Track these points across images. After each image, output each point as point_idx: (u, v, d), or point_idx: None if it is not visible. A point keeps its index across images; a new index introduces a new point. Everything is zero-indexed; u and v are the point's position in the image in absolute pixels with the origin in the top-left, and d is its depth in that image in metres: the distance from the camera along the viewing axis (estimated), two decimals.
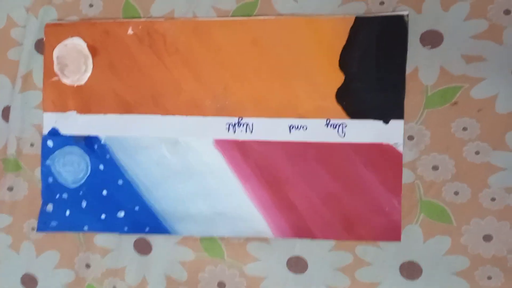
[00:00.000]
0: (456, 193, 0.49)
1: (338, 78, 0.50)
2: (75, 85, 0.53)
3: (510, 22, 0.47)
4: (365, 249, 0.50)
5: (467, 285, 0.49)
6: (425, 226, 0.49)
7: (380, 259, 0.50)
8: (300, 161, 0.51)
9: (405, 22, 0.48)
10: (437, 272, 0.49)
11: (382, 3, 0.49)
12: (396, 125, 0.49)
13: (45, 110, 0.54)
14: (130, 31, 0.52)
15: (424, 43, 0.48)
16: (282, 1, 0.50)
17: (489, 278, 0.49)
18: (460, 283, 0.49)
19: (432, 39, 0.48)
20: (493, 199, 0.48)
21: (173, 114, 0.52)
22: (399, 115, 0.49)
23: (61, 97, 0.53)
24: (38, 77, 0.54)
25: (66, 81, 0.53)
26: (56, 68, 0.53)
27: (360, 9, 0.49)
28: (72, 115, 0.53)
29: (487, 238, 0.49)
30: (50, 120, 0.54)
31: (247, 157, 0.51)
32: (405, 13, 0.48)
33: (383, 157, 0.49)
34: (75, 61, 0.53)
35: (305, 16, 0.50)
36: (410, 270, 0.50)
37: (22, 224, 0.55)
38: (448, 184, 0.49)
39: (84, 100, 0.53)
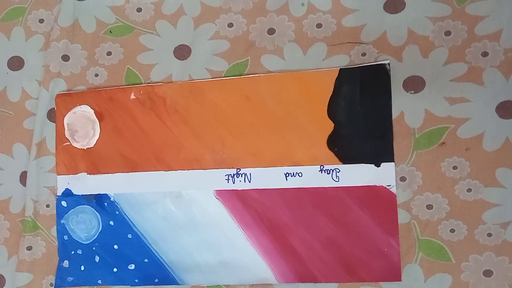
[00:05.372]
0: (452, 231, 0.50)
1: (328, 127, 0.52)
2: (85, 148, 0.57)
3: (488, 64, 0.49)
4: None
5: None
6: (425, 265, 0.50)
7: None
8: (298, 207, 0.52)
9: (387, 70, 0.51)
10: None
11: (364, 54, 0.52)
12: (388, 167, 0.51)
13: (58, 173, 0.57)
14: (132, 96, 0.56)
15: (407, 89, 0.51)
16: (271, 60, 0.54)
17: None
18: None
19: (414, 84, 0.51)
20: (489, 235, 0.49)
21: (175, 169, 0.55)
22: (390, 158, 0.51)
23: (73, 160, 0.57)
24: (51, 143, 0.58)
25: (77, 145, 0.57)
26: (67, 134, 0.57)
27: (344, 61, 0.52)
28: (83, 176, 0.57)
29: (487, 273, 0.49)
30: (63, 182, 0.57)
31: (247, 205, 0.54)
32: (386, 62, 0.51)
33: (378, 199, 0.51)
34: (84, 126, 0.57)
35: (292, 71, 0.53)
36: None
37: (41, 281, 0.57)
38: (443, 222, 0.50)
39: (93, 161, 0.57)
